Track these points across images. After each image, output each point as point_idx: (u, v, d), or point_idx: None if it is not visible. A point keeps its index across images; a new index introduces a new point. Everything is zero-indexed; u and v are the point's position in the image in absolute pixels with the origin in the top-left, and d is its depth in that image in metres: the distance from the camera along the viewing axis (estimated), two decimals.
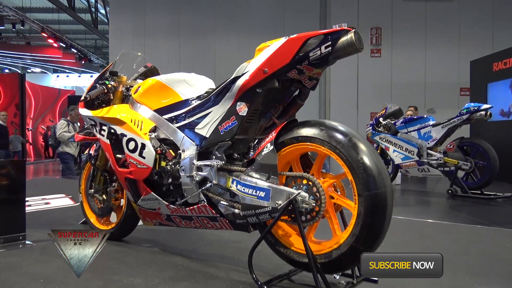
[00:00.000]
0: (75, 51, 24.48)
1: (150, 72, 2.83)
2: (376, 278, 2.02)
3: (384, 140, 5.78)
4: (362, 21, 11.91)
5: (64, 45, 22.90)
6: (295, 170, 2.04)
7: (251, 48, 2.10)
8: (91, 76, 27.66)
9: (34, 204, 4.32)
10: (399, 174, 6.23)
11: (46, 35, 20.90)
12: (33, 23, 20.07)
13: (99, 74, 2.82)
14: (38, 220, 3.50)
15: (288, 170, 2.07)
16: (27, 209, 4.00)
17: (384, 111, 5.97)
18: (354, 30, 1.83)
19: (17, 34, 22.64)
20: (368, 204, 1.74)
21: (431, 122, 5.42)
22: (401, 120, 5.73)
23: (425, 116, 5.65)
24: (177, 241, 2.83)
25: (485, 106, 4.98)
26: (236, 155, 2.25)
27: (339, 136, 1.83)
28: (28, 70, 29.36)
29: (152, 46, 12.31)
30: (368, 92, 11.85)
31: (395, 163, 5.69)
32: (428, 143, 5.34)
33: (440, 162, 5.20)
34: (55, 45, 22.11)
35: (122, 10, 12.77)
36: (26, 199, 4.42)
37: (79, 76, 29.84)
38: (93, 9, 20.44)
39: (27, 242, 2.74)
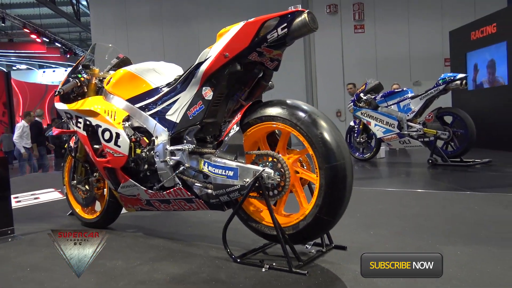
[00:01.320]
0: (59, 45, 24.21)
1: (123, 62, 2.89)
2: (345, 245, 2.15)
3: (365, 115, 5.88)
4: None
5: (47, 40, 22.64)
6: (262, 149, 2.14)
7: None
8: None
9: (23, 199, 4.40)
10: (383, 147, 6.36)
11: (28, 31, 20.61)
12: (14, 20, 19.79)
13: (71, 68, 2.88)
14: (27, 214, 3.59)
15: (257, 149, 2.16)
16: (17, 205, 4.11)
17: (364, 86, 6.05)
18: (307, 11, 1.90)
19: None
20: (328, 176, 1.84)
21: (409, 95, 5.52)
22: (381, 94, 5.82)
23: (404, 89, 5.74)
24: (160, 225, 2.94)
25: (460, 75, 5.08)
26: (209, 138, 2.35)
27: (299, 113, 1.92)
28: (14, 68, 29.04)
29: (135, 36, 12.22)
30: (354, 69, 11.90)
31: (377, 137, 5.80)
32: (408, 115, 5.45)
33: (420, 133, 5.32)
34: (38, 40, 21.87)
35: (102, 1, 12.65)
36: (16, 195, 4.55)
37: (66, 70, 29.48)
38: (74, 1, 20.15)
39: (16, 236, 2.84)
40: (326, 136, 1.86)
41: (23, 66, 29.67)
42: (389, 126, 5.58)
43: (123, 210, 2.86)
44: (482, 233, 2.35)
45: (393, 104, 5.62)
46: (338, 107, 11.94)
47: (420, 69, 11.08)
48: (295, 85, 12.33)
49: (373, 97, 5.87)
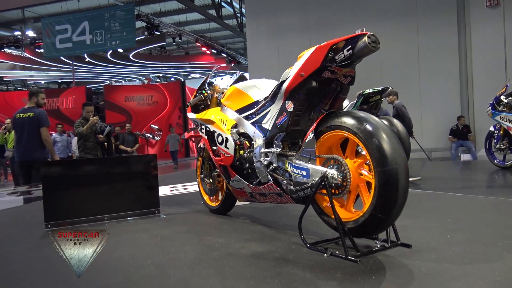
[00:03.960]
0: (225, 55, 27.04)
1: (240, 78, 3.51)
2: (410, 244, 2.34)
3: (505, 119, 5.48)
4: None
5: (215, 51, 25.59)
6: (335, 153, 2.47)
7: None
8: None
9: (176, 189, 5.42)
10: None
11: (199, 45, 23.63)
12: (188, 35, 22.87)
13: (200, 84, 3.60)
14: (174, 200, 4.51)
15: (331, 153, 2.50)
16: (171, 193, 5.12)
17: (504, 88, 5.63)
18: (369, 33, 2.19)
19: (177, 46, 26.05)
20: (381, 178, 2.10)
21: None
22: None
23: None
24: (266, 216, 3.45)
25: None
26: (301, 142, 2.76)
27: (360, 123, 2.22)
28: (189, 77, 33.28)
29: (285, 44, 13.03)
30: None
31: None
32: None
33: None
34: (208, 52, 24.86)
35: (256, 14, 13.83)
36: (172, 185, 5.61)
37: (231, 77, 32.51)
38: (238, 15, 22.20)
39: (160, 215, 3.68)
40: (381, 143, 2.11)
41: (197, 75, 33.80)
42: None
43: (240, 203, 3.46)
44: None
45: None
46: None
47: None
48: (448, 85, 11.68)
49: None
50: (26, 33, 20.48)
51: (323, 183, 2.30)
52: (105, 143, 6.96)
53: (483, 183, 5.08)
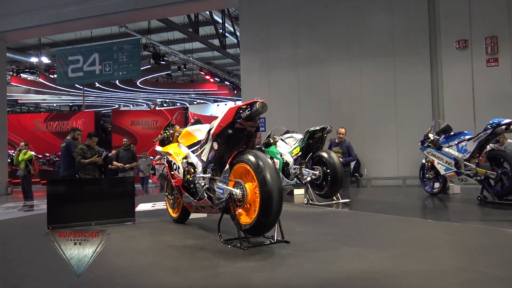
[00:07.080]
0: (228, 83, 28.43)
1: (197, 121, 4.71)
2: (289, 240, 3.45)
3: (430, 154, 6.59)
4: (475, 31, 12.05)
5: (218, 79, 27.01)
6: (244, 179, 3.61)
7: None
8: None
9: (157, 206, 6.57)
10: (456, 185, 6.88)
11: (203, 73, 25.04)
12: (193, 64, 24.28)
13: (165, 125, 4.81)
14: (151, 214, 5.66)
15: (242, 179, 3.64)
16: (152, 208, 6.27)
17: (430, 128, 6.77)
18: (260, 101, 3.37)
19: (182, 73, 27.57)
20: (262, 195, 3.25)
21: (467, 137, 6.08)
22: (443, 135, 6.48)
23: (464, 131, 6.31)
24: (212, 225, 4.58)
25: (506, 121, 5.51)
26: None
27: (252, 158, 3.37)
28: (194, 102, 34.77)
29: (276, 77, 14.27)
30: (486, 104, 11.83)
31: (441, 174, 6.45)
32: (464, 156, 6.02)
33: (474, 172, 5.85)
34: (211, 80, 26.28)
35: (251, 48, 15.13)
36: (154, 203, 6.76)
37: (234, 103, 33.93)
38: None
39: (133, 223, 4.83)
40: (263, 172, 3.27)
41: (202, 101, 35.31)
42: (448, 164, 6.21)
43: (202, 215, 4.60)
44: (432, 254, 3.33)
45: (453, 145, 6.25)
46: None
47: None
48: (421, 118, 12.76)
49: (437, 137, 6.56)
50: (41, 59, 22.13)
51: (229, 198, 3.46)
52: (103, 165, 8.19)
53: (402, 206, 6.17)
